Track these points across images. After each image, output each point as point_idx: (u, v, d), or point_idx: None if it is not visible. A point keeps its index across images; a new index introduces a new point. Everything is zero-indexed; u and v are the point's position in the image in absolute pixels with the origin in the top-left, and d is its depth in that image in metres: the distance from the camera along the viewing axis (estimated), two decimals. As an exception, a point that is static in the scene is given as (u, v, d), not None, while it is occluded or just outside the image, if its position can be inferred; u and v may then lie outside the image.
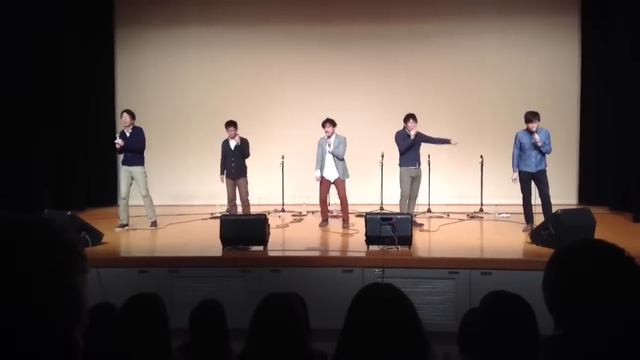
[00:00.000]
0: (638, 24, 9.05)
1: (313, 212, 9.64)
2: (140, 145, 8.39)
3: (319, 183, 8.56)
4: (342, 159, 8.43)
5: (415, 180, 8.36)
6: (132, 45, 11.64)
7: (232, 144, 8.69)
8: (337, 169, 8.42)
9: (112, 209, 10.61)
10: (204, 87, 11.56)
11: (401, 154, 8.29)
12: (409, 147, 8.19)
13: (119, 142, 8.28)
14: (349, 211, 8.63)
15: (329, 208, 8.93)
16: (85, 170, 10.87)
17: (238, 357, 2.44)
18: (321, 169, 8.48)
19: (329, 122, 8.42)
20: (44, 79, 9.79)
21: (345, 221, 8.48)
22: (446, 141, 8.46)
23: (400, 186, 8.33)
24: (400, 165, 8.33)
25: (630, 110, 9.21)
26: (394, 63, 11.22)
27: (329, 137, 8.42)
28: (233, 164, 8.66)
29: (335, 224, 8.67)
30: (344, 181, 8.47)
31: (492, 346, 2.16)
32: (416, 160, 8.32)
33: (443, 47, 11.15)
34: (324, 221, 8.59)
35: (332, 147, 8.38)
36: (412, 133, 8.13)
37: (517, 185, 7.89)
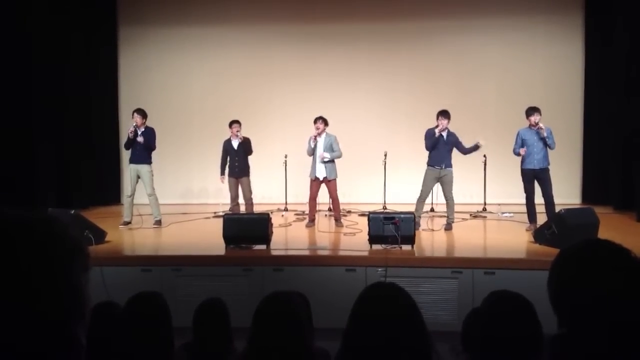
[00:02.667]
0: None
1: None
2: (152, 144, 8.41)
3: (310, 181, 8.56)
4: (333, 161, 8.45)
5: (441, 182, 7.96)
6: (135, 44, 11.66)
7: (235, 143, 8.71)
8: (325, 168, 8.42)
9: (115, 207, 10.64)
10: (207, 86, 11.57)
11: (427, 150, 7.96)
12: (433, 145, 7.86)
13: (131, 130, 8.26)
14: (340, 210, 8.71)
15: (318, 207, 8.95)
16: (89, 169, 10.88)
17: (241, 355, 2.44)
18: (312, 167, 8.50)
19: (321, 120, 8.42)
20: (47, 77, 9.80)
21: (338, 220, 8.53)
22: (476, 147, 7.99)
23: (422, 185, 8.05)
24: (427, 164, 8.02)
25: (634, 109, 9.18)
26: (397, 61, 11.21)
27: (319, 134, 8.39)
28: (237, 163, 8.69)
29: (328, 223, 8.68)
30: (334, 180, 8.47)
31: (495, 346, 2.15)
32: (442, 162, 7.87)
33: (446, 46, 11.14)
34: (311, 221, 8.57)
35: (322, 148, 8.36)
36: (438, 130, 7.79)
37: (521, 185, 7.87)
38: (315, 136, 8.39)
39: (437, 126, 7.87)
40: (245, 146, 8.69)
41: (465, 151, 8.05)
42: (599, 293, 1.26)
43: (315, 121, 8.46)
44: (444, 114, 7.86)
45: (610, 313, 1.24)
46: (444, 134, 7.85)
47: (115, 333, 2.68)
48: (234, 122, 8.78)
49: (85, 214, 7.93)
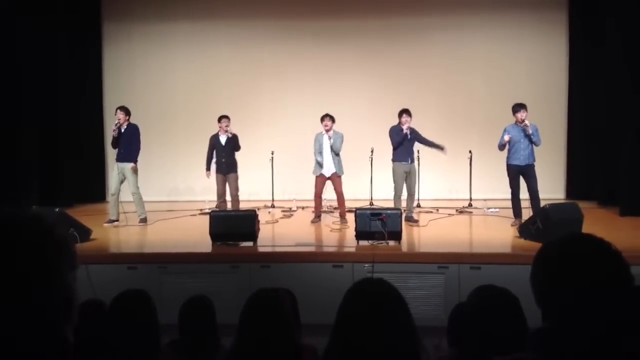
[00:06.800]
0: (626, 20, 9.08)
1: (303, 208, 9.65)
2: (135, 148, 8.29)
3: (314, 178, 8.49)
4: (339, 154, 8.41)
5: (409, 176, 8.29)
6: (120, 40, 11.55)
7: (223, 139, 8.68)
8: (334, 164, 8.37)
9: (100, 205, 10.56)
10: (194, 82, 11.50)
11: (394, 148, 8.25)
12: (401, 142, 8.15)
13: (114, 128, 8.20)
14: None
15: (323, 204, 8.92)
16: (73, 166, 10.77)
17: (228, 352, 2.44)
18: (320, 165, 8.40)
19: (328, 117, 8.35)
20: (32, 75, 9.69)
21: (342, 217, 8.39)
22: (439, 147, 8.38)
23: (394, 182, 8.29)
24: (393, 160, 8.30)
25: (618, 105, 9.27)
26: (385, 58, 11.23)
27: (327, 131, 8.35)
28: (224, 159, 8.64)
29: (328, 220, 8.66)
30: (340, 177, 8.43)
31: (481, 340, 2.17)
32: (408, 156, 8.25)
33: (432, 42, 11.17)
34: (317, 217, 8.53)
35: (332, 140, 8.32)
36: (405, 127, 8.10)
37: (506, 180, 7.93)
38: (326, 132, 8.33)
39: (400, 123, 8.18)
40: (234, 142, 8.65)
41: (426, 142, 8.44)
42: (581, 287, 1.27)
43: (322, 119, 8.37)
44: (407, 112, 8.20)
45: (592, 306, 1.25)
46: (408, 131, 8.13)
47: (101, 331, 2.67)
48: (223, 117, 8.73)
49: (70, 211, 7.86)
